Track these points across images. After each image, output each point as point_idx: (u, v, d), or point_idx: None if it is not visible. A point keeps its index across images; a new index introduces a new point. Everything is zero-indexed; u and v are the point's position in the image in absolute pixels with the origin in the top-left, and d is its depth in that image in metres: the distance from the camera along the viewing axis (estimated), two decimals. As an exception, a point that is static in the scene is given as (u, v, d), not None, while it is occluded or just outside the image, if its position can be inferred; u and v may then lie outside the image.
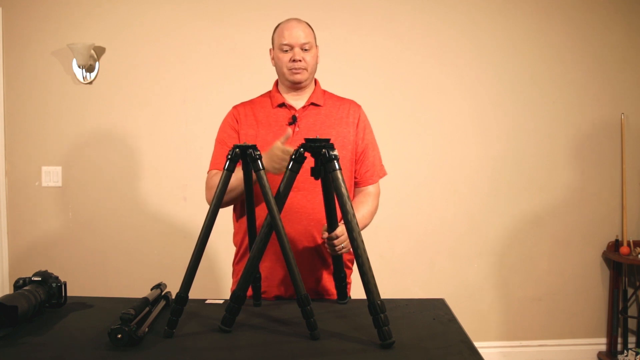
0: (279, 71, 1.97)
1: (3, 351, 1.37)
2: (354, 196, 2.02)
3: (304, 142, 1.56)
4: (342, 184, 1.50)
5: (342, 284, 1.82)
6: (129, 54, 3.32)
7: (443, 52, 3.43)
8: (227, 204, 1.92)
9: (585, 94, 3.49)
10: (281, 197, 1.57)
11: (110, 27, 3.30)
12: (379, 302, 1.41)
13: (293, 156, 1.55)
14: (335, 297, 1.91)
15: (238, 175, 1.67)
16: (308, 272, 1.91)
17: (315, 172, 1.55)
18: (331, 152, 1.51)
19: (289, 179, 1.57)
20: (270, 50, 1.99)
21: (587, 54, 3.49)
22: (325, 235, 1.76)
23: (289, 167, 1.56)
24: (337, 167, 1.50)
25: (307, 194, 1.89)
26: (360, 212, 1.91)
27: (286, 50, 1.91)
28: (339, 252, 1.77)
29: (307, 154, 1.55)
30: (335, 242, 1.75)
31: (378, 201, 2.04)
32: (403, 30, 3.41)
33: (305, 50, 1.91)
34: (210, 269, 3.27)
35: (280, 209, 1.56)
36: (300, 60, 1.90)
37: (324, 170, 1.54)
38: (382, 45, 3.40)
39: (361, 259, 1.45)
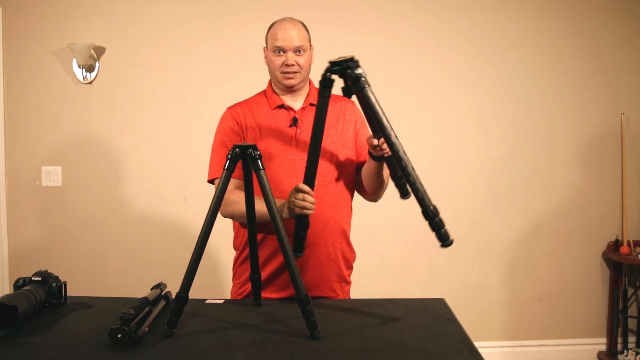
0: (272, 73, 1.94)
1: (3, 351, 1.37)
2: (357, 185, 2.00)
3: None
4: (375, 102, 1.54)
5: (402, 182, 1.79)
6: (129, 54, 3.32)
7: (443, 52, 3.43)
8: (238, 219, 1.91)
9: (586, 94, 3.49)
10: (318, 134, 1.63)
11: (110, 27, 3.30)
12: (431, 207, 1.51)
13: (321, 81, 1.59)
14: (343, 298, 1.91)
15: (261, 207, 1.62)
16: (320, 275, 1.91)
17: (346, 92, 1.58)
18: (355, 72, 1.53)
19: (321, 105, 1.62)
20: (264, 48, 1.95)
21: (587, 54, 3.48)
22: (375, 141, 1.71)
23: (323, 93, 1.61)
24: (365, 85, 1.54)
25: (319, 199, 1.85)
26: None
27: (279, 53, 1.87)
28: (386, 154, 1.74)
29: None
30: (380, 142, 1.71)
31: None
32: (403, 30, 3.41)
33: (299, 53, 1.87)
34: (210, 269, 3.27)
35: (317, 150, 1.62)
36: (293, 65, 1.87)
37: (355, 89, 1.57)
38: (382, 45, 3.40)
39: (405, 164, 1.51)
